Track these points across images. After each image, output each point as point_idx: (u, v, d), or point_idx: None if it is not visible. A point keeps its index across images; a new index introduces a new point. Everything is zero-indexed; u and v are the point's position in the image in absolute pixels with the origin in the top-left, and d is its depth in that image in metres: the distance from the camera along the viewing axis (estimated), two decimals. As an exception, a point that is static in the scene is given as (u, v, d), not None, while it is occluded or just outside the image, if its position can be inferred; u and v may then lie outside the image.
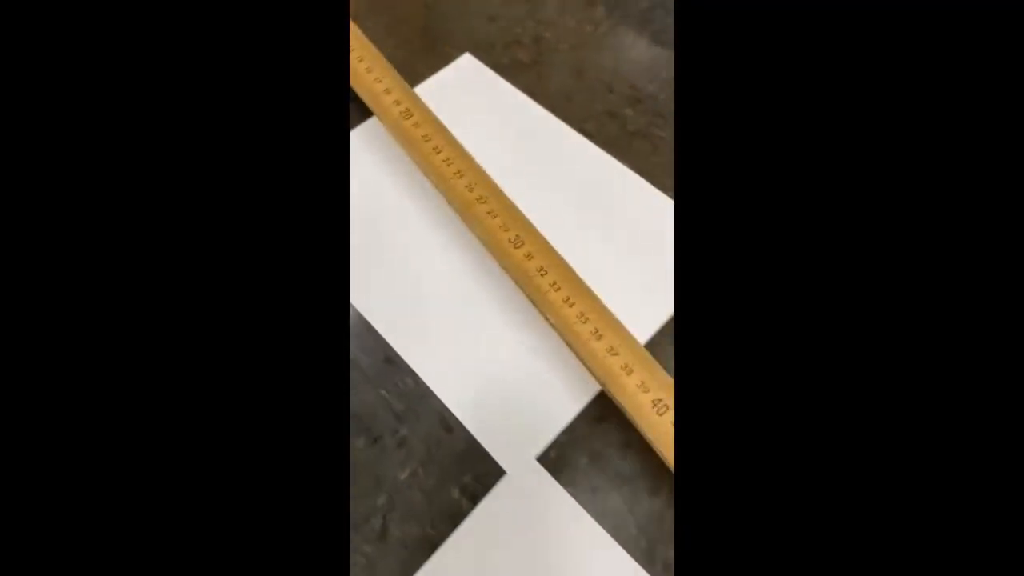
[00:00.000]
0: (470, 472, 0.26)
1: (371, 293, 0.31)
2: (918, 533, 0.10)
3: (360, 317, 0.30)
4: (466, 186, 0.24)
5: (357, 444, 0.27)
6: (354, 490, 0.26)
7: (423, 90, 0.38)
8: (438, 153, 0.25)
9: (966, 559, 0.10)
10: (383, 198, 0.29)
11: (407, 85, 0.28)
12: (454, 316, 0.30)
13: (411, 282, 0.29)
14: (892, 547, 0.10)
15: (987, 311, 0.11)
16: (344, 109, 0.14)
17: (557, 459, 0.26)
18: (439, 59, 0.39)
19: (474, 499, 0.26)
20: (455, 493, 0.26)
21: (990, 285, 0.11)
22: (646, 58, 0.39)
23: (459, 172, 0.25)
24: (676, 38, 0.12)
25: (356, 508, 0.26)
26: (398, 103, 0.26)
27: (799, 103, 0.12)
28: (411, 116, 0.26)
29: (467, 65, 0.39)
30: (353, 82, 0.28)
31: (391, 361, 0.29)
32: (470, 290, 0.29)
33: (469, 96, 0.37)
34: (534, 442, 0.27)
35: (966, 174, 0.11)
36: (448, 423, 0.27)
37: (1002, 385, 0.10)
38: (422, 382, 0.28)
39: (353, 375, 0.29)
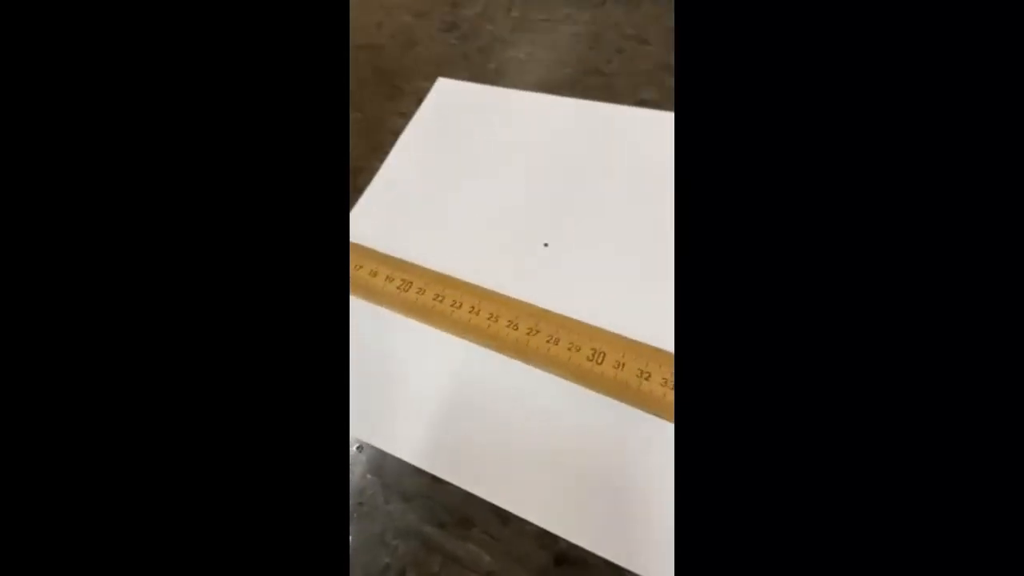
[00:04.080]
0: None
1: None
2: (915, 532, 0.10)
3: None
4: (508, 325, 0.20)
5: None
6: None
7: (411, 133, 0.31)
8: (459, 308, 0.21)
9: (965, 557, 0.10)
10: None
11: (386, 255, 0.23)
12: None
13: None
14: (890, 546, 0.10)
15: (986, 311, 0.10)
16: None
17: None
18: (410, 97, 0.32)
19: None
20: None
21: (990, 284, 0.10)
22: None
23: (492, 315, 0.21)
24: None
25: None
26: (390, 279, 0.22)
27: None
28: (411, 286, 0.22)
29: (446, 88, 0.32)
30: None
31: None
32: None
33: (464, 117, 0.30)
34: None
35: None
36: None
37: (1002, 388, 0.10)
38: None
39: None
